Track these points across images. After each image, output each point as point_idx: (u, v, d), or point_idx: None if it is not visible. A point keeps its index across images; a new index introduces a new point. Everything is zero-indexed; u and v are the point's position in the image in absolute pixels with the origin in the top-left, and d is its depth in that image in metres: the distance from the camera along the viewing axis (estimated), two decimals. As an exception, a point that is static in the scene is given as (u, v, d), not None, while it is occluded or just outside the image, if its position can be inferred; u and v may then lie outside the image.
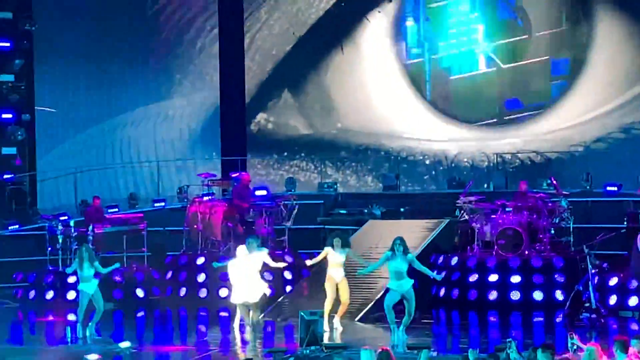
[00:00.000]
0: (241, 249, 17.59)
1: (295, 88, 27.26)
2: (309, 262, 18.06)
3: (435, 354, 14.36)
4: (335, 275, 17.39)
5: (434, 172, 26.40)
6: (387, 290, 16.44)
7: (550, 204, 20.70)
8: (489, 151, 25.77)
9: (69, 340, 17.06)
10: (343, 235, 17.96)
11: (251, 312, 17.37)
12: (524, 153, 25.50)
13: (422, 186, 26.15)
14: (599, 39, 25.24)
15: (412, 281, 16.24)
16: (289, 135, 27.21)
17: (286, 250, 21.79)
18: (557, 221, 20.66)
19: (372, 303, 18.81)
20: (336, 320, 17.39)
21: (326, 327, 16.93)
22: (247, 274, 17.35)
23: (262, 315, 17.96)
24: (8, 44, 25.19)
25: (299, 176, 26.51)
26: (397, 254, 16.27)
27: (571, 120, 25.43)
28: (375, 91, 26.82)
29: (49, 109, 25.92)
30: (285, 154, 27.14)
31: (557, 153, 25.30)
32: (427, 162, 26.42)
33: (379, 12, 26.56)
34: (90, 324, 17.25)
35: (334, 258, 17.43)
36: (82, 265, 17.34)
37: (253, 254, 17.46)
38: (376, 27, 26.72)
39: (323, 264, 17.88)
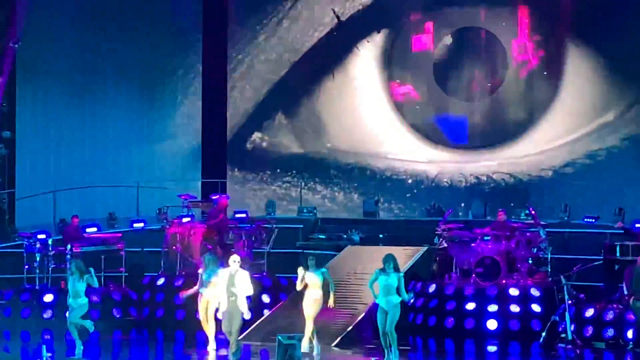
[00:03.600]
0: (233, 258, 17.32)
1: (289, 110, 28.66)
2: (299, 287, 17.94)
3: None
4: (312, 296, 17.44)
5: (415, 191, 27.69)
6: (375, 306, 16.40)
7: (528, 234, 20.80)
8: (467, 172, 27.21)
9: (45, 358, 16.96)
10: (315, 256, 18.06)
11: (232, 334, 17.16)
12: (499, 174, 26.91)
13: (405, 203, 27.47)
14: (569, 72, 26.42)
15: (400, 298, 16.26)
16: (282, 153, 28.61)
17: (264, 273, 21.80)
18: (535, 251, 20.75)
19: (350, 328, 18.83)
20: (314, 341, 17.42)
21: (305, 348, 16.94)
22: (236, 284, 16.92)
23: (240, 337, 17.91)
24: (-9, 61, 25.15)
25: (290, 192, 28.03)
26: (388, 270, 16.29)
27: (542, 146, 26.60)
28: (363, 114, 28.24)
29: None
30: (278, 170, 28.47)
31: (529, 176, 26.66)
32: (410, 181, 27.81)
33: (368, 41, 27.90)
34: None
35: (310, 279, 17.51)
36: (73, 280, 17.27)
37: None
38: (365, 55, 28.10)
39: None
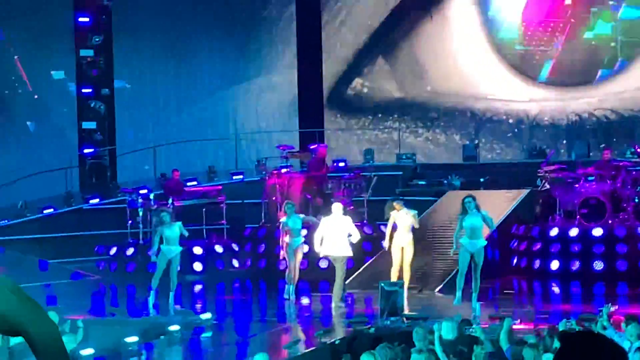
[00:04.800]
0: (337, 207, 17.41)
1: (388, 55, 28.87)
2: (386, 245, 17.80)
3: (518, 322, 14.15)
4: (400, 239, 17.29)
5: (516, 130, 27.73)
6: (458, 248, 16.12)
7: (634, 173, 20.30)
8: (568, 110, 27.10)
9: (151, 311, 17.16)
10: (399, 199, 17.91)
11: (337, 271, 17.21)
12: (600, 111, 26.81)
13: (506, 143, 27.56)
14: None
15: (485, 242, 16.00)
16: (383, 97, 28.84)
17: (365, 222, 21.69)
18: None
19: (453, 273, 18.64)
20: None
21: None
22: (339, 231, 17.17)
23: (346, 283, 17.86)
24: (87, 19, 25.39)
25: (391, 136, 28.32)
26: (470, 211, 16.00)
27: None
28: (462, 56, 28.23)
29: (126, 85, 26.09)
30: (380, 115, 28.74)
31: (631, 111, 26.55)
32: (510, 120, 27.85)
33: None
34: (170, 295, 17.32)
35: (401, 221, 17.31)
36: (167, 227, 17.27)
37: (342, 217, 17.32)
38: None
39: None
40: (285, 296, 18.09)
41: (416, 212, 17.68)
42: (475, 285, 15.95)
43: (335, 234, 17.14)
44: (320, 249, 17.36)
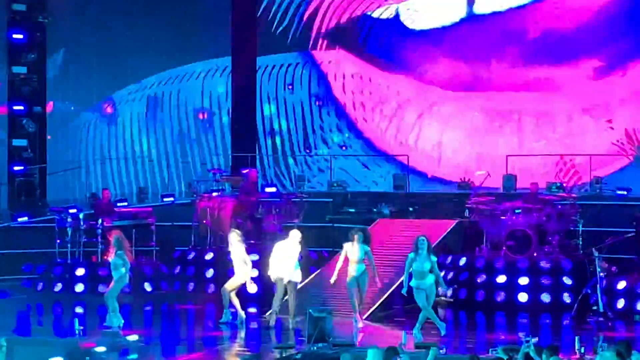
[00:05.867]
0: (294, 233, 17.82)
1: None
2: (332, 280, 17.99)
3: (443, 351, 14.34)
4: (353, 271, 17.46)
5: None
6: (409, 290, 16.32)
7: (560, 207, 20.67)
8: None
9: (77, 332, 17.04)
10: (364, 230, 18.05)
11: (288, 293, 17.62)
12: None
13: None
14: None
15: (434, 277, 16.25)
16: None
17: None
18: (566, 224, 20.62)
19: (380, 301, 18.81)
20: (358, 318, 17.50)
21: (360, 323, 17.26)
22: (292, 256, 17.65)
23: (269, 312, 17.98)
24: (21, 36, 25.25)
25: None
26: (421, 252, 16.19)
27: None
28: None
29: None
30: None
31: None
32: None
33: None
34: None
35: (352, 255, 17.49)
36: (114, 253, 17.23)
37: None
38: None
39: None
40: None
41: (369, 249, 17.83)
42: (431, 315, 16.19)
43: (288, 259, 17.59)
44: (271, 272, 17.76)
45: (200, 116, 28.14)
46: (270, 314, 17.83)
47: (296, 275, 17.74)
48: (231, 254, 18.03)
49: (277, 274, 17.71)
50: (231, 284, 17.84)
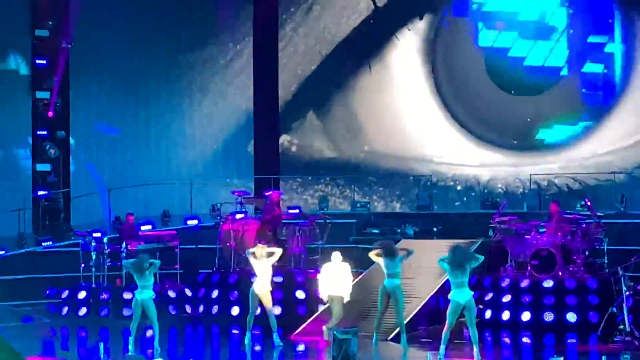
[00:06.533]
0: (336, 255, 18.46)
1: (321, 109, 26.87)
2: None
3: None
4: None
5: (465, 199, 26.02)
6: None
7: (584, 225, 20.57)
8: (524, 176, 25.39)
9: (101, 356, 17.06)
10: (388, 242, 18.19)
11: (336, 308, 18.11)
12: (562, 178, 25.10)
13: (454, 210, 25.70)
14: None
15: (472, 292, 16.15)
16: (314, 158, 26.84)
17: (319, 269, 21.74)
18: (591, 242, 20.52)
19: (406, 322, 18.73)
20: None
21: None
22: (338, 275, 18.28)
23: (296, 332, 17.97)
24: (44, 62, 25.40)
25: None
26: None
27: (611, 145, 25.03)
28: (405, 113, 26.36)
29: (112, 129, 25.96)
30: (310, 178, 26.72)
31: (596, 179, 24.92)
32: (459, 187, 26.03)
33: (409, 29, 26.29)
34: (154, 340, 17.28)
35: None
36: (142, 275, 17.29)
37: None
38: (406, 45, 26.30)
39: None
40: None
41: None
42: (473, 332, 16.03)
43: (334, 278, 18.21)
44: (322, 293, 18.44)
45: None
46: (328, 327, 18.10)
47: (345, 292, 18.19)
48: (258, 269, 18.02)
49: (328, 293, 18.30)
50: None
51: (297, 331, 19.19)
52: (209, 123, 27.51)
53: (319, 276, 18.65)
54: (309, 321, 19.65)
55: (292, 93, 27.06)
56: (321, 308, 19.96)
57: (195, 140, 27.55)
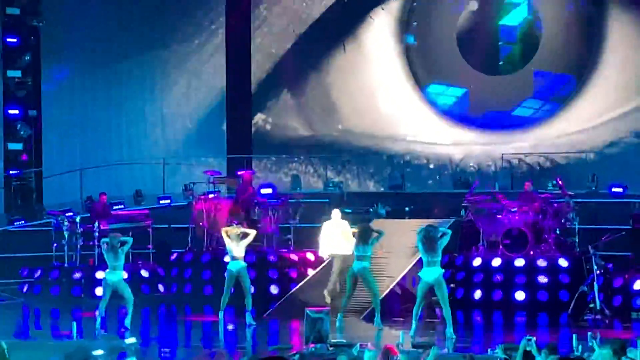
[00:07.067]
0: (335, 212, 19.17)
1: (295, 88, 26.73)
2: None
3: (445, 351, 14.37)
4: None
5: (438, 177, 26.03)
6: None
7: (555, 205, 20.70)
8: (496, 155, 25.39)
9: (74, 335, 17.05)
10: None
11: (336, 266, 18.55)
12: (533, 157, 25.12)
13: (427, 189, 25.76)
14: (611, 39, 24.94)
15: (442, 270, 16.35)
16: (288, 136, 26.71)
17: (291, 248, 21.82)
18: (562, 222, 20.66)
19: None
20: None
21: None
22: (338, 233, 18.87)
23: (267, 313, 17.99)
24: (15, 40, 25.26)
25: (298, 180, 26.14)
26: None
27: (581, 125, 25.06)
28: (379, 92, 26.30)
29: None
30: (284, 156, 26.63)
31: (566, 158, 24.98)
32: (432, 166, 26.02)
33: (383, 9, 26.14)
34: (126, 319, 17.31)
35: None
36: (115, 254, 17.33)
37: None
38: (380, 25, 26.26)
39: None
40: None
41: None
42: (446, 311, 16.23)
43: (335, 235, 18.77)
44: (323, 251, 18.98)
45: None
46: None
47: (346, 250, 18.46)
48: (232, 249, 18.03)
49: (329, 251, 18.80)
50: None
51: (269, 311, 19.25)
52: (185, 102, 27.38)
53: (320, 235, 19.02)
54: (281, 300, 19.72)
55: (267, 72, 26.98)
56: (295, 288, 20.04)
57: (170, 120, 27.41)
